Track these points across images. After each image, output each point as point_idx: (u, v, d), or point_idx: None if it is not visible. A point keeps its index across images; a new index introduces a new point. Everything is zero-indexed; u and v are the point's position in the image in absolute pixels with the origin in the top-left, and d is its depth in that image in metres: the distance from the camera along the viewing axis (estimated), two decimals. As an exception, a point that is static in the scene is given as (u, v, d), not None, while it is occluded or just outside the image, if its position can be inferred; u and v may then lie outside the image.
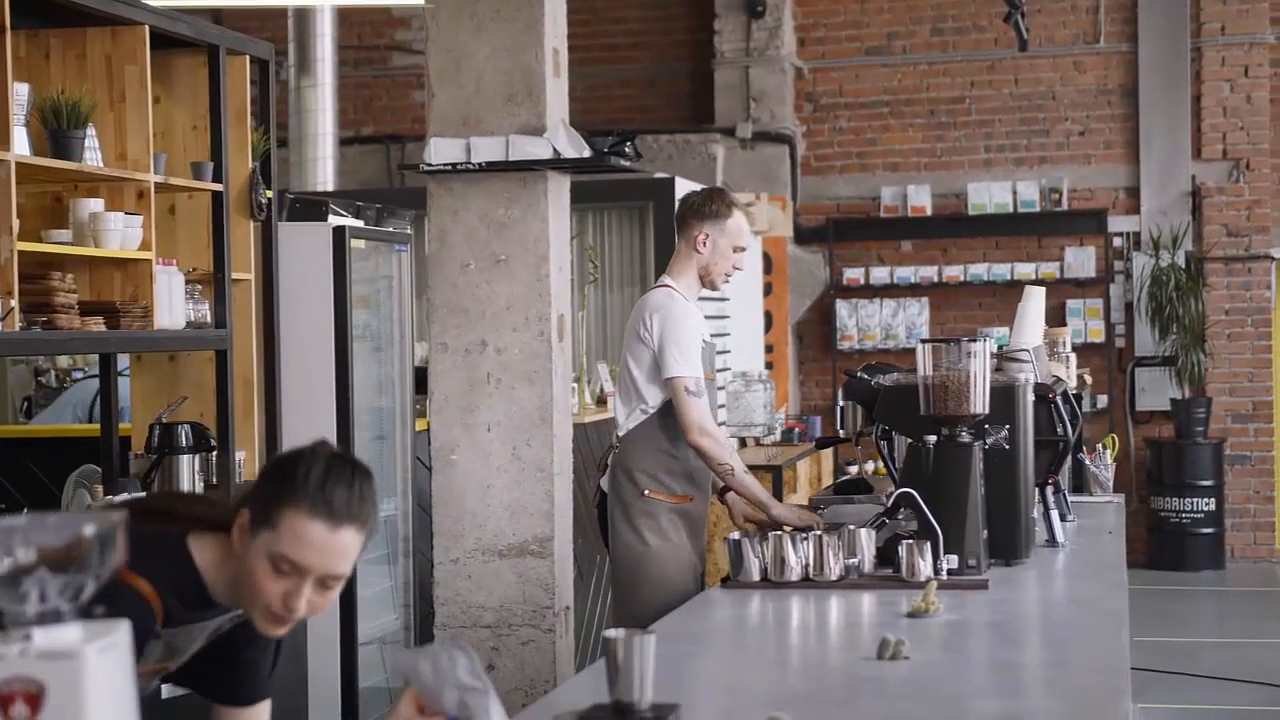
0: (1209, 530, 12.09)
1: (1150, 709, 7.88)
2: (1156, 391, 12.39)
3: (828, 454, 11.05)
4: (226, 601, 2.66)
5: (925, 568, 4.14)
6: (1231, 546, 12.32)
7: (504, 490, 5.57)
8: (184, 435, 5.32)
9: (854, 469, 12.34)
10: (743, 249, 5.25)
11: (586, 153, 5.64)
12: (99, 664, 1.73)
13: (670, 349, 5.03)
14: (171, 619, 2.60)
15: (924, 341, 4.43)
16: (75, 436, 6.36)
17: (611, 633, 2.72)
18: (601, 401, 8.07)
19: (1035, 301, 5.49)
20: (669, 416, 5.11)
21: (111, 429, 5.52)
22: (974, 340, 4.37)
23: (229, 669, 2.81)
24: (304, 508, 2.52)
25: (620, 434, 5.23)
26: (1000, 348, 5.31)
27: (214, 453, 5.47)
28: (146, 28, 5.10)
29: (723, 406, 9.79)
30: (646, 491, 5.11)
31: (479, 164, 5.58)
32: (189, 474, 5.33)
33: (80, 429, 6.61)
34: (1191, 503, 12.05)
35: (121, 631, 1.79)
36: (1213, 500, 12.07)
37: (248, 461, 5.74)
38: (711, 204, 5.22)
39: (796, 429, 11.04)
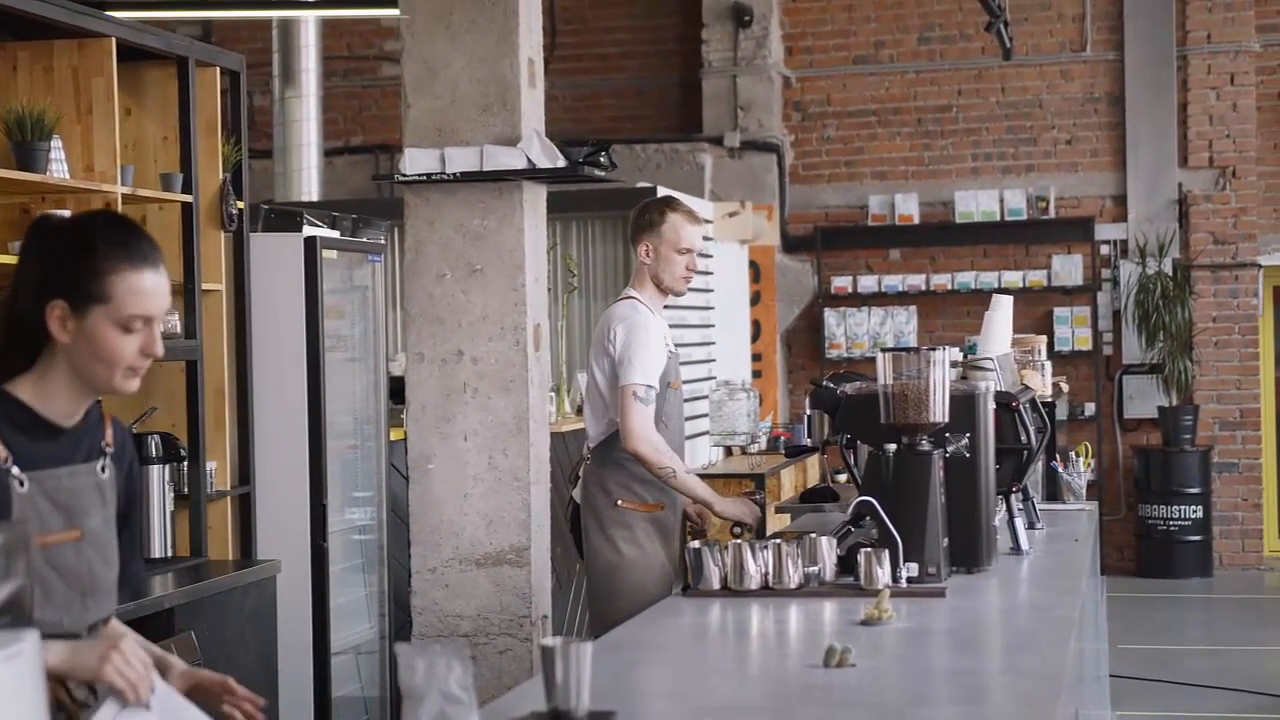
0: (1196, 538, 12.10)
1: (1132, 716, 7.89)
2: (1144, 399, 12.41)
3: (814, 462, 11.06)
4: (68, 418, 2.70)
5: (884, 576, 4.15)
6: (1219, 554, 12.32)
7: (481, 499, 5.58)
8: (154, 445, 5.34)
9: (843, 478, 12.35)
10: (688, 250, 5.31)
11: (561, 163, 5.66)
12: (4, 672, 1.75)
13: (627, 357, 5.14)
14: (22, 458, 2.63)
15: (884, 350, 4.44)
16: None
17: (548, 641, 2.75)
18: (580, 410, 8.08)
19: (1002, 310, 5.51)
20: None
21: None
22: (934, 349, 4.39)
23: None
24: (126, 268, 2.64)
25: (591, 445, 5.30)
26: (966, 356, 5.33)
27: (184, 463, 5.48)
28: (113, 40, 5.12)
29: (704, 416, 9.82)
30: (620, 502, 5.19)
31: (454, 174, 5.60)
32: (159, 484, 5.34)
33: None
34: (1179, 510, 12.06)
35: (29, 641, 1.81)
36: (1200, 508, 12.08)
37: (219, 472, 5.76)
38: (645, 214, 5.35)
39: (783, 438, 11.05)
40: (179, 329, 5.50)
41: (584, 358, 9.61)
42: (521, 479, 5.64)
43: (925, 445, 4.37)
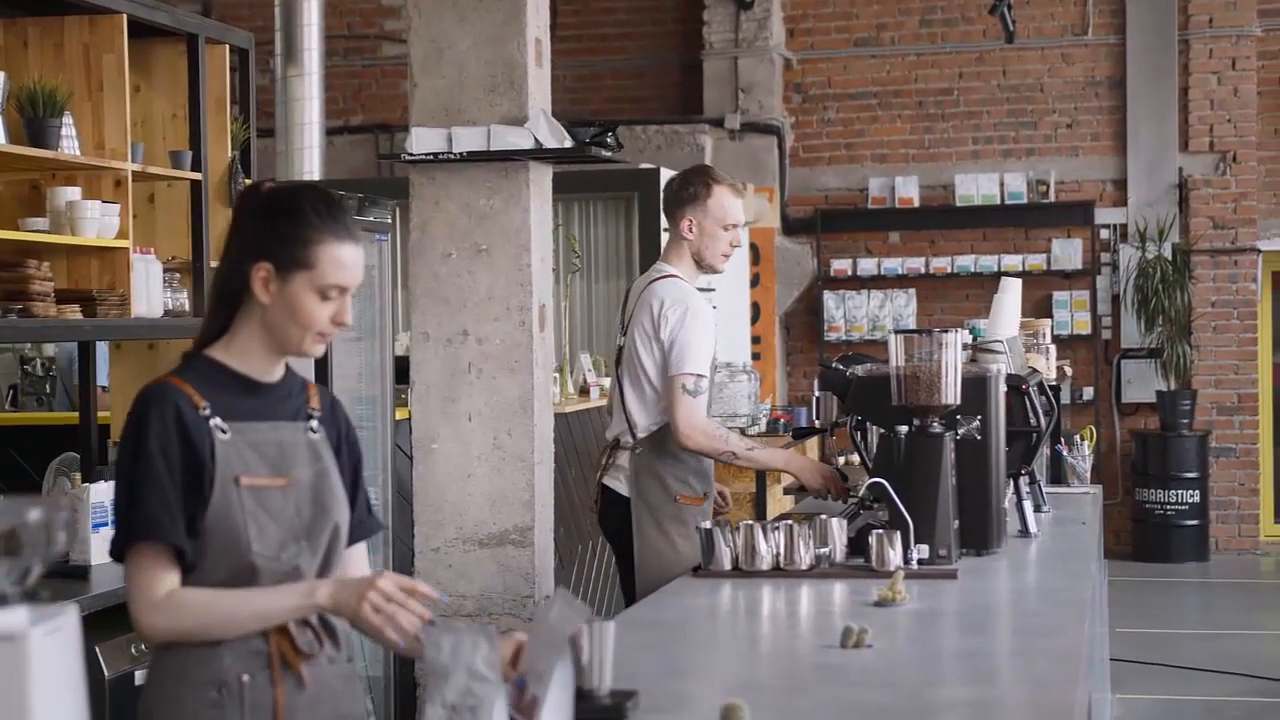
0: (1193, 522, 12.13)
1: (1131, 699, 7.91)
2: (1142, 383, 12.42)
3: (814, 444, 11.08)
4: (264, 374, 2.85)
5: (895, 557, 4.16)
6: (1216, 538, 12.35)
7: (485, 479, 5.58)
8: (161, 424, 5.32)
9: (841, 460, 12.36)
10: (733, 225, 5.09)
11: (568, 143, 5.65)
12: (44, 646, 1.75)
13: (680, 345, 4.91)
14: (220, 408, 2.78)
15: (896, 332, 4.44)
16: (57, 424, 6.37)
17: (571, 620, 2.75)
18: (584, 391, 8.09)
19: (1011, 293, 5.51)
20: None
21: (90, 417, 5.53)
22: (946, 331, 4.39)
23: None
24: (331, 240, 2.79)
25: (639, 434, 5.06)
26: (975, 338, 5.33)
27: (192, 441, 5.47)
28: (124, 16, 5.11)
29: (707, 396, 9.81)
30: (678, 498, 5.00)
31: (460, 154, 5.59)
32: (167, 462, 5.33)
33: (61, 417, 6.62)
34: (1176, 494, 12.09)
35: (68, 616, 1.81)
36: (1197, 492, 12.10)
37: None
38: (689, 186, 5.10)
39: (783, 420, 11.07)
40: (188, 307, 5.49)
41: (588, 339, 9.62)
42: (526, 459, 5.65)
43: (937, 427, 4.37)
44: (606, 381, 8.21)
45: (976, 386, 4.51)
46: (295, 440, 2.87)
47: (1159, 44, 12.43)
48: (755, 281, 12.21)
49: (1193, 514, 12.11)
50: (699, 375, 4.91)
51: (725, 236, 5.10)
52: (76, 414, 5.85)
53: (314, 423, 2.90)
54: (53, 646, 1.77)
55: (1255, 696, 8.09)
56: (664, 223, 9.68)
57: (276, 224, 2.80)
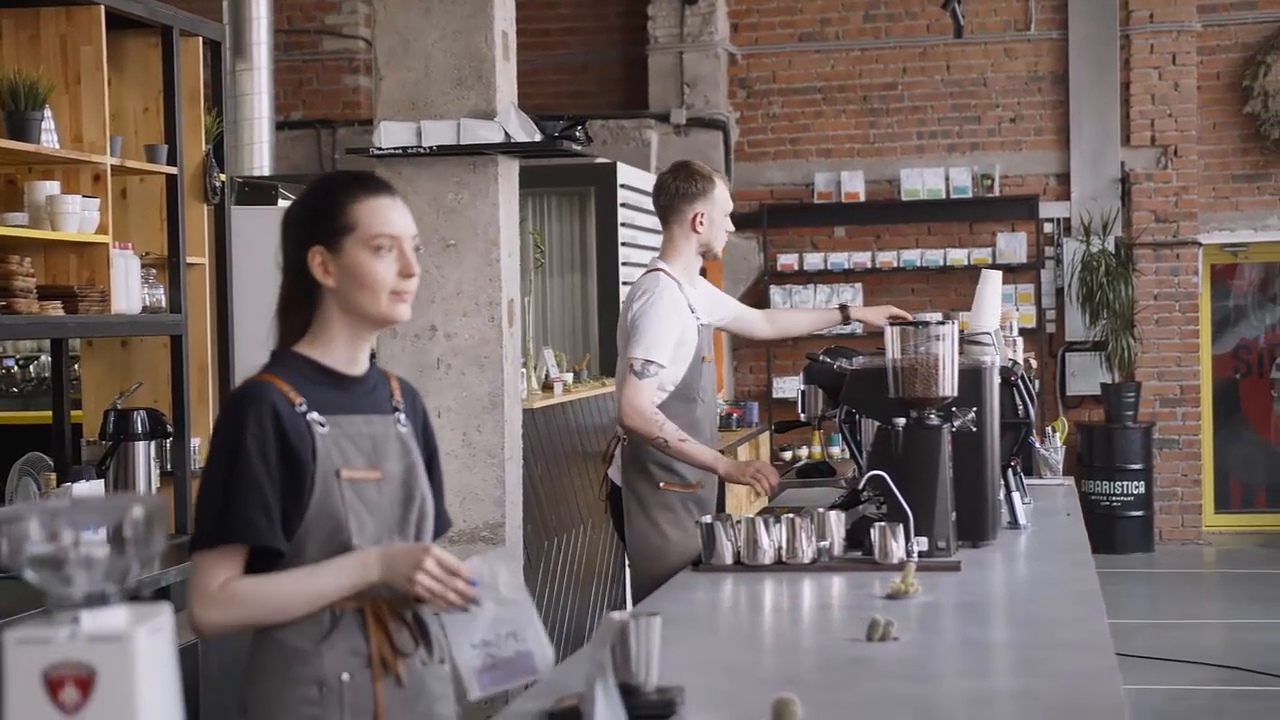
0: (1138, 513, 12.24)
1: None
2: (1087, 376, 12.52)
3: (765, 439, 11.11)
4: (350, 365, 2.84)
5: (899, 550, 4.16)
6: (1160, 529, 12.47)
7: (455, 476, 5.55)
8: (139, 421, 5.25)
9: (787, 455, 12.38)
10: (729, 211, 5.29)
11: (537, 137, 5.63)
12: (148, 646, 1.72)
13: (638, 329, 4.98)
14: (315, 402, 2.78)
15: (893, 324, 4.44)
16: (23, 424, 6.27)
17: (618, 615, 2.72)
18: (548, 387, 8.04)
19: (993, 285, 5.53)
20: (676, 404, 5.03)
21: (63, 416, 5.43)
22: (943, 323, 4.39)
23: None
24: (363, 196, 2.82)
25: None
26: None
27: (169, 439, 5.40)
28: (102, 8, 5.02)
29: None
30: (662, 484, 5.05)
31: (430, 148, 5.55)
32: (144, 460, 5.26)
33: (28, 416, 6.51)
34: (1121, 486, 12.19)
35: (165, 615, 1.77)
36: (1142, 483, 12.22)
37: (203, 448, 5.68)
38: (695, 183, 5.19)
39: (734, 415, 11.09)
40: (164, 303, 5.41)
41: (548, 334, 9.58)
42: (496, 455, 5.62)
43: (934, 419, 4.37)
44: (570, 377, 8.18)
45: (972, 378, 4.52)
46: (387, 433, 2.86)
47: (1101, 39, 12.53)
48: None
49: (1138, 505, 12.22)
50: (648, 360, 4.96)
51: (725, 223, 5.28)
52: (44, 414, 5.76)
53: (402, 415, 2.90)
54: (154, 646, 1.73)
55: (1203, 685, 8.17)
56: (623, 217, 9.67)
57: (311, 210, 2.84)
